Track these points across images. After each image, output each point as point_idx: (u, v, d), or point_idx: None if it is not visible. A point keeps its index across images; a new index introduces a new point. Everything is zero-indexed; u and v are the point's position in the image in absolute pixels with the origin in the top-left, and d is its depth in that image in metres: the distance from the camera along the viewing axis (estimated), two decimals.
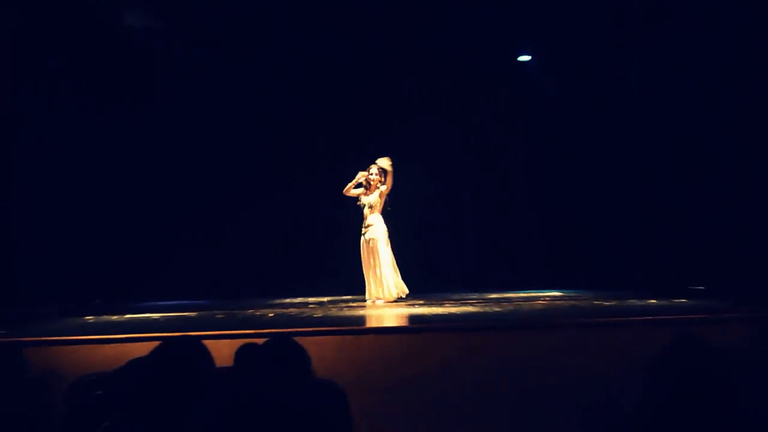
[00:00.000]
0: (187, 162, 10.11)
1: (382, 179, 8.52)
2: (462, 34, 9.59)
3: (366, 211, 8.54)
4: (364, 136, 10.07)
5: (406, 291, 8.47)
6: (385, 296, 8.29)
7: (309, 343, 3.07)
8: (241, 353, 3.36)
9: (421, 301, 8.25)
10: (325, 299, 8.94)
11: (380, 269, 8.35)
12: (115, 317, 7.34)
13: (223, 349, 3.51)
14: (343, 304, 8.31)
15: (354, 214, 8.69)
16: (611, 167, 10.11)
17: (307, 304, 8.52)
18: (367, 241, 8.46)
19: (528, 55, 10.51)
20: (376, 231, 8.44)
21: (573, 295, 8.80)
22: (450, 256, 10.28)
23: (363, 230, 8.52)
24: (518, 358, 5.30)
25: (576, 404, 5.27)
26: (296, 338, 3.12)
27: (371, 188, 8.55)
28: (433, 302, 8.17)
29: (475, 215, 10.50)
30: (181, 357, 2.45)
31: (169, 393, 2.39)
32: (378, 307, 8.04)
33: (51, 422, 3.04)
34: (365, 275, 8.47)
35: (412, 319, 6.73)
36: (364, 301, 8.47)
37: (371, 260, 8.41)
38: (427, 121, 10.23)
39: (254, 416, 1.46)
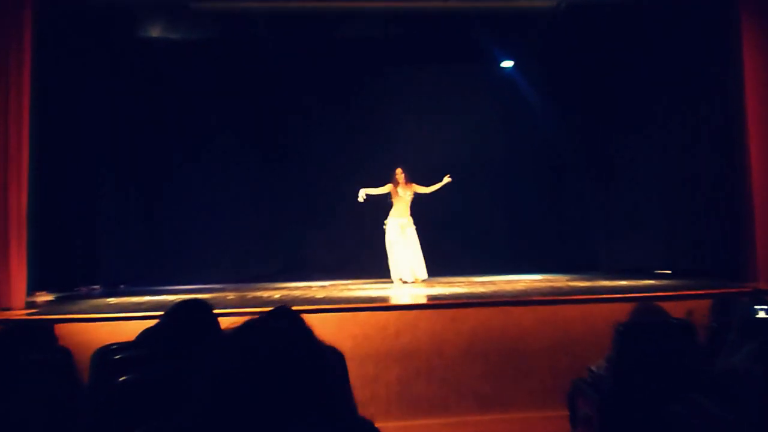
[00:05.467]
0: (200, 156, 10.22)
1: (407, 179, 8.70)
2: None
3: (403, 205, 8.66)
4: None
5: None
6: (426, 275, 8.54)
7: (311, 320, 3.08)
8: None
9: (416, 282, 8.40)
10: (326, 283, 8.95)
11: (420, 253, 8.64)
12: (135, 299, 7.35)
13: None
14: (343, 287, 8.34)
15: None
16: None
17: (311, 287, 8.55)
18: (413, 229, 8.66)
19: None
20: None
21: (551, 277, 8.83)
22: (439, 244, 10.24)
23: (401, 220, 8.62)
24: (498, 328, 5.38)
25: (548, 367, 5.34)
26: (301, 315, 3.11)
27: (399, 186, 8.65)
28: (425, 284, 8.33)
29: (460, 208, 10.52)
30: (189, 316, 2.47)
31: (177, 350, 2.41)
32: (399, 286, 8.26)
33: (77, 384, 3.09)
34: (403, 258, 8.57)
35: (404, 297, 6.79)
36: (371, 282, 8.73)
37: (416, 246, 8.63)
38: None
39: (263, 369, 1.36)
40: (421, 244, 8.73)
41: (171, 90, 10.04)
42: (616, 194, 10.06)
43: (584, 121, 10.51)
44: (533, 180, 10.82)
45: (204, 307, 2.56)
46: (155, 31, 8.81)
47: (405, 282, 8.48)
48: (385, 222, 8.68)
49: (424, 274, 8.62)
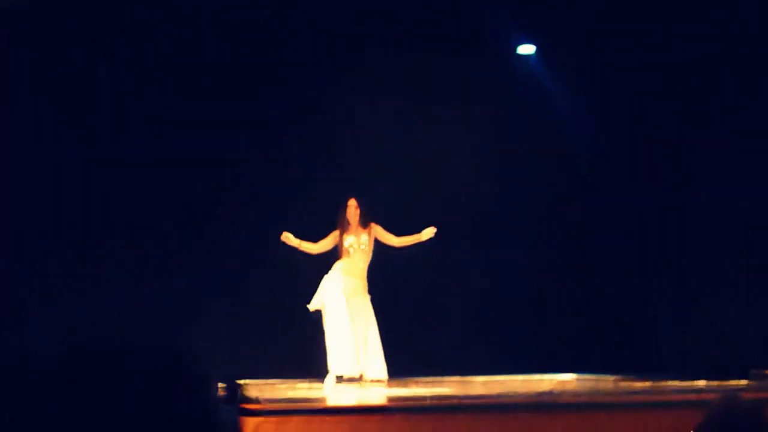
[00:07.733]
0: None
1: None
2: None
3: (358, 259, 8.68)
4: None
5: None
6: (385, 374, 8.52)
7: None
8: None
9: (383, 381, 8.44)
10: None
11: (378, 338, 8.62)
12: None
13: None
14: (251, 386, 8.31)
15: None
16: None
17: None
18: (366, 300, 8.70)
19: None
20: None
21: (590, 377, 8.96)
22: (414, 328, 10.19)
23: (351, 280, 8.64)
24: None
25: None
26: None
27: (351, 228, 8.69)
28: (395, 383, 8.41)
29: (450, 270, 10.59)
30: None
31: None
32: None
33: None
34: (355, 348, 8.51)
35: (361, 398, 6.96)
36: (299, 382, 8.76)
37: (369, 327, 8.63)
38: None
39: None
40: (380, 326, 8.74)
41: None
42: (697, 256, 10.20)
43: (653, 157, 10.65)
44: (563, 232, 10.87)
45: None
46: None
47: (349, 380, 8.40)
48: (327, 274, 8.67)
49: (383, 372, 8.51)
